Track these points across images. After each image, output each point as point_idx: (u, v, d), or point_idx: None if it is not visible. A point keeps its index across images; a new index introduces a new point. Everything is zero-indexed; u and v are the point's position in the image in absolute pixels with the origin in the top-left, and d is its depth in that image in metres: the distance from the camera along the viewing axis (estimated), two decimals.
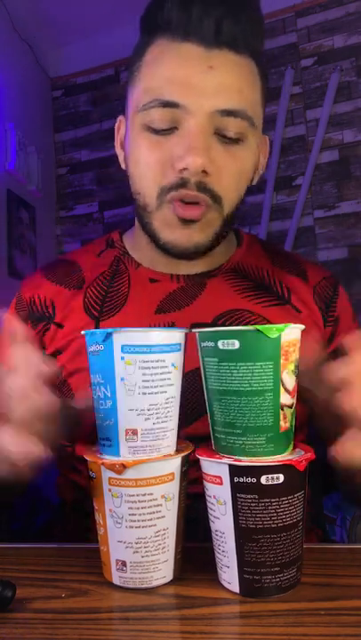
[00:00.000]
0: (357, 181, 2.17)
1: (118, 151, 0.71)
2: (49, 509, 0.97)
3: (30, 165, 2.32)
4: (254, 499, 0.41)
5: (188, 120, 0.59)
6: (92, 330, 0.46)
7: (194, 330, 0.47)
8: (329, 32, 2.23)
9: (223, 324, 0.66)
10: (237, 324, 0.66)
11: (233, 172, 0.62)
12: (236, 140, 0.61)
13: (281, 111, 2.27)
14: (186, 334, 0.47)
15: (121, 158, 0.71)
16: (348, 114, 2.19)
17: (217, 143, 0.60)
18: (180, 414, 0.48)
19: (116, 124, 0.72)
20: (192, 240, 0.63)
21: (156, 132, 0.61)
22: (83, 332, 0.47)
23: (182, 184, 0.60)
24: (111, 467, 0.43)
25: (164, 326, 0.66)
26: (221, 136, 0.61)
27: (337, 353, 0.71)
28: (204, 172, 0.59)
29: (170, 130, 0.60)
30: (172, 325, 0.66)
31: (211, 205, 0.61)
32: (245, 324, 0.65)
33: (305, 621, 0.38)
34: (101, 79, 2.65)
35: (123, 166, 0.70)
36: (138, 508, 0.43)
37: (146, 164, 0.62)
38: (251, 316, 0.67)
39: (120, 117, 0.71)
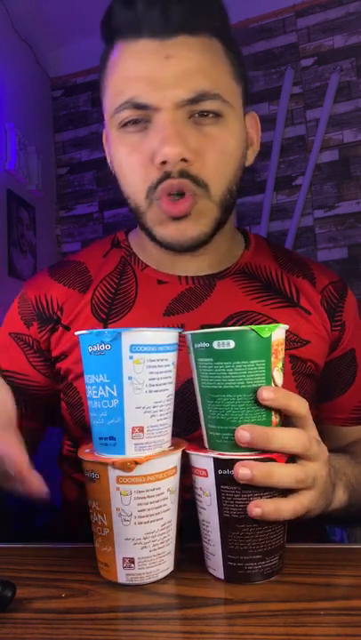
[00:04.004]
0: (357, 181, 2.17)
1: (108, 158, 0.70)
2: (49, 511, 0.97)
3: (30, 165, 2.32)
4: (237, 490, 0.43)
5: (159, 113, 0.59)
6: (97, 329, 0.45)
7: (185, 332, 0.48)
8: (329, 32, 2.23)
9: (233, 326, 0.65)
10: None
11: (215, 156, 0.60)
12: (212, 120, 0.60)
13: (281, 111, 2.27)
14: (178, 333, 0.49)
15: (111, 165, 0.70)
16: (348, 114, 2.19)
17: (193, 129, 0.59)
18: (179, 425, 0.50)
19: (104, 131, 0.70)
20: (185, 235, 0.62)
21: (131, 125, 0.60)
22: (87, 332, 0.46)
23: (166, 177, 0.59)
24: (122, 465, 0.43)
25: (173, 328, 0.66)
26: (198, 116, 0.59)
27: (344, 358, 0.71)
28: (184, 160, 0.58)
29: (144, 125, 0.60)
30: (181, 327, 0.65)
31: (197, 194, 0.60)
32: None
33: (305, 621, 0.38)
34: None
35: (114, 172, 0.69)
36: (147, 504, 0.44)
37: (129, 167, 0.62)
38: (260, 317, 0.66)
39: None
